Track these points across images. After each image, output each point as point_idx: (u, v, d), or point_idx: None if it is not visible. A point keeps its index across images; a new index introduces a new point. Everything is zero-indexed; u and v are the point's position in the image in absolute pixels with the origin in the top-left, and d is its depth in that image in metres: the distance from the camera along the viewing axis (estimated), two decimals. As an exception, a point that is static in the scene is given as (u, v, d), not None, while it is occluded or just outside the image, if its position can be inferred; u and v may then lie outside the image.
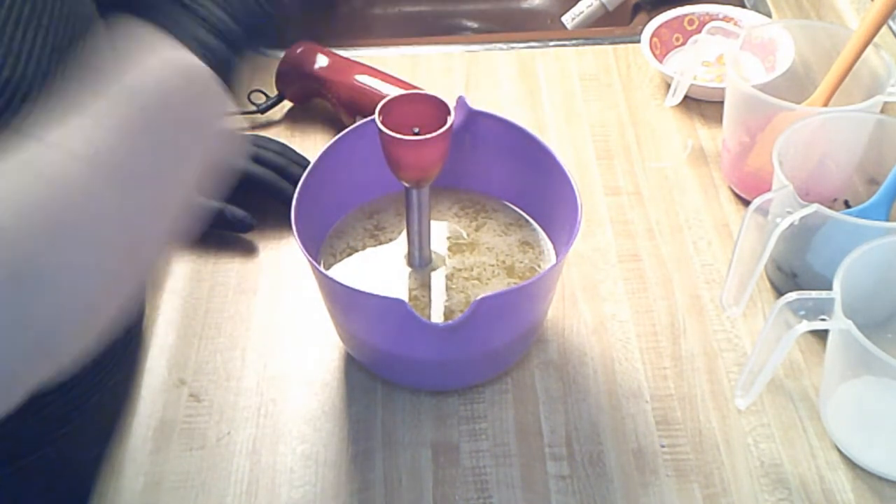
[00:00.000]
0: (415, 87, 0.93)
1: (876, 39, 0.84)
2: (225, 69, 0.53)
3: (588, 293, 0.81)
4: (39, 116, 0.46)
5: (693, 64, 0.93)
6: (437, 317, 0.73)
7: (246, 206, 0.84)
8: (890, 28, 0.99)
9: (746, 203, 0.80)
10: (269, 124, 0.98)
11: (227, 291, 0.82)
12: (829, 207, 0.73)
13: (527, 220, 0.80)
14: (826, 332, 0.68)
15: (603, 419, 0.72)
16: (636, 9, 1.17)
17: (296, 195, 0.71)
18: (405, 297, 0.74)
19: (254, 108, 0.97)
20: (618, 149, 0.94)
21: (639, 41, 1.03)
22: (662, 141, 0.95)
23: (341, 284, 0.68)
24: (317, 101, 0.98)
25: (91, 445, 0.72)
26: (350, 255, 0.78)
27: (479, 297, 0.64)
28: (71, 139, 0.45)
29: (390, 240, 0.79)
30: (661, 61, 1.02)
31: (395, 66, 1.01)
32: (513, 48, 1.07)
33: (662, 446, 0.70)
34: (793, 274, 0.78)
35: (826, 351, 0.70)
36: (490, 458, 0.70)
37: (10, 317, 0.41)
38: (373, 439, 0.72)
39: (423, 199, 0.71)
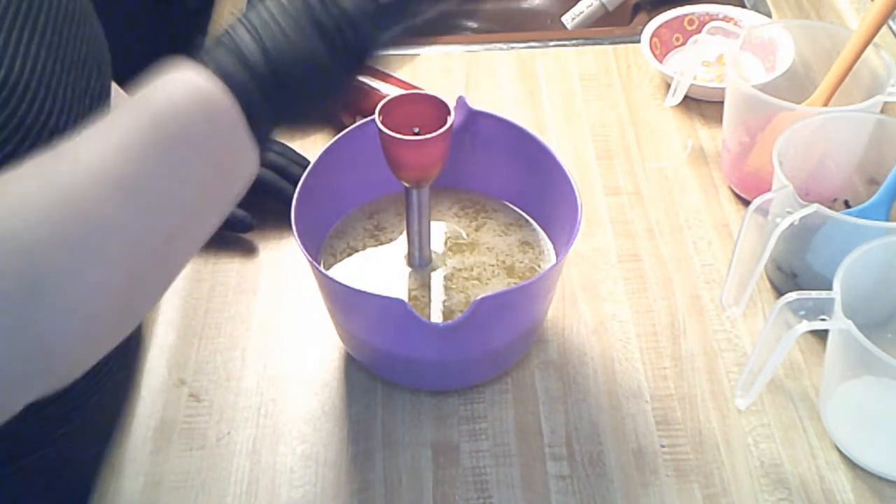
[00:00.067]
0: (415, 87, 0.93)
1: (876, 39, 0.84)
2: (251, 106, 0.50)
3: (588, 293, 0.81)
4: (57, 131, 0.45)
5: (693, 64, 0.93)
6: (436, 317, 0.73)
7: (246, 206, 0.84)
8: (890, 28, 0.99)
9: (746, 203, 0.80)
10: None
11: (227, 291, 0.82)
12: (829, 207, 0.73)
13: (527, 220, 0.80)
14: (826, 332, 0.68)
15: (603, 419, 0.72)
16: (636, 9, 1.17)
17: (296, 195, 0.71)
18: (405, 297, 0.74)
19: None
20: (618, 149, 0.94)
21: (639, 41, 1.03)
22: (662, 141, 0.95)
23: (341, 284, 0.68)
24: (317, 101, 0.97)
25: (91, 445, 0.72)
26: (350, 255, 0.78)
27: (479, 297, 0.64)
28: (85, 152, 0.45)
29: (390, 240, 0.79)
30: (661, 61, 1.02)
31: (395, 66, 1.00)
32: (513, 48, 1.07)
33: (662, 446, 0.70)
34: (793, 274, 0.78)
35: (826, 351, 0.70)
36: (490, 458, 0.70)
37: (15, 323, 0.41)
38: (373, 439, 0.72)
39: (423, 199, 0.71)
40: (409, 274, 0.76)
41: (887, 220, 0.77)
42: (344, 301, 0.71)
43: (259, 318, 0.80)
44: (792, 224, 0.71)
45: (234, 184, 0.51)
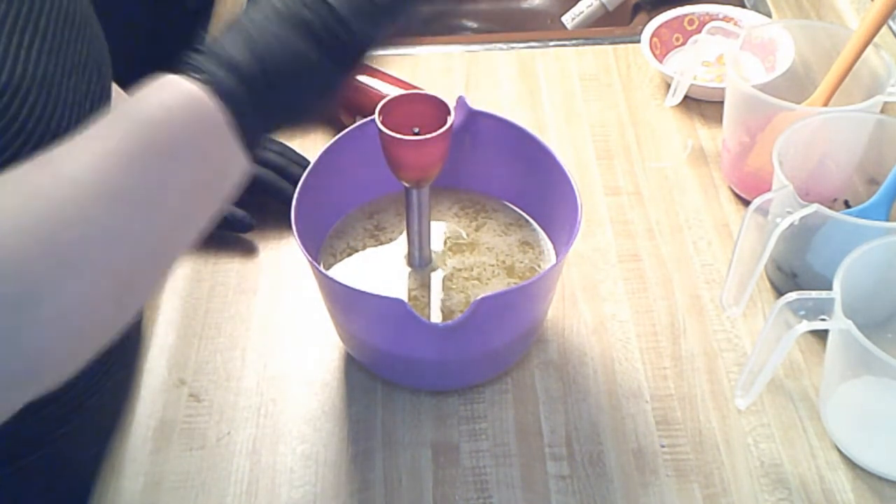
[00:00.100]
0: (415, 87, 0.93)
1: (876, 39, 0.84)
2: (240, 114, 0.49)
3: (588, 293, 0.81)
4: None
5: (693, 64, 0.93)
6: (436, 317, 0.73)
7: (246, 206, 0.84)
8: (890, 28, 0.99)
9: (746, 203, 0.80)
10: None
11: (227, 291, 0.82)
12: (829, 207, 0.73)
13: (527, 220, 0.80)
14: (826, 332, 0.68)
15: (603, 419, 0.72)
16: (636, 9, 1.17)
17: (296, 195, 0.71)
18: (405, 297, 0.74)
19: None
20: (618, 149, 0.94)
21: (639, 41, 1.03)
22: (662, 141, 0.95)
23: (341, 284, 0.68)
24: (317, 101, 0.97)
25: (91, 445, 0.72)
26: (350, 255, 0.78)
27: (479, 297, 0.64)
28: (70, 161, 0.45)
29: (390, 240, 0.79)
30: (661, 61, 1.02)
31: (395, 66, 1.01)
32: (513, 48, 1.07)
33: (662, 446, 0.70)
34: (793, 274, 0.78)
35: (826, 351, 0.70)
36: (490, 458, 0.70)
37: (1, 335, 0.41)
38: (373, 439, 0.72)
39: (423, 199, 0.71)
40: (409, 274, 0.76)
41: (887, 220, 0.77)
42: (344, 301, 0.71)
43: (259, 318, 0.80)
44: (792, 224, 0.71)
45: (223, 188, 0.51)
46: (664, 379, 0.75)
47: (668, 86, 0.96)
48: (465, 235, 0.79)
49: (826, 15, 1.08)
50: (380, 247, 0.79)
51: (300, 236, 0.68)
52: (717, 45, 0.91)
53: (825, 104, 0.85)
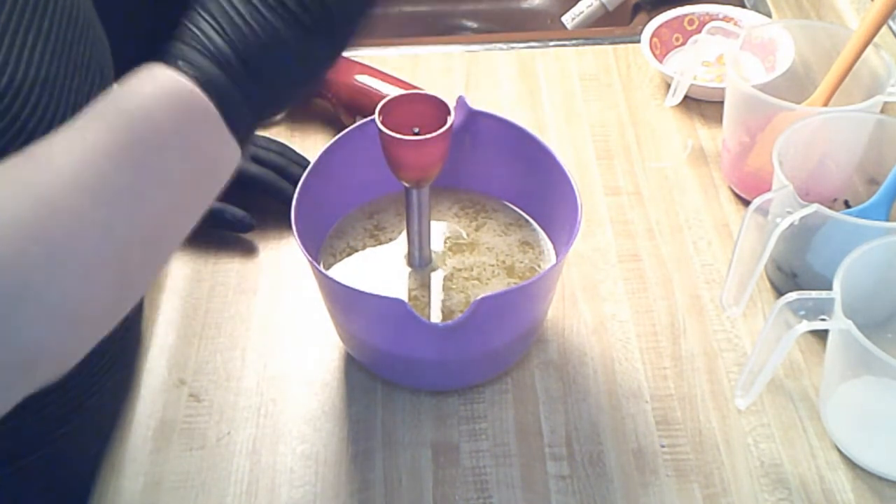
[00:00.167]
0: (415, 87, 0.93)
1: (876, 39, 0.84)
2: (227, 102, 0.49)
3: (588, 293, 0.81)
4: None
5: (693, 64, 0.93)
6: (436, 317, 0.73)
7: (246, 206, 0.84)
8: (890, 28, 0.99)
9: (746, 203, 0.80)
10: (269, 124, 0.98)
11: (227, 291, 0.82)
12: (829, 207, 0.73)
13: (527, 220, 0.80)
14: (826, 332, 0.68)
15: (603, 419, 0.72)
16: (636, 9, 1.17)
17: (296, 195, 0.71)
18: (405, 297, 0.74)
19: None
20: (618, 149, 0.94)
21: (639, 41, 1.03)
22: (662, 141, 0.95)
23: (341, 284, 0.68)
24: (317, 101, 0.98)
25: (91, 445, 0.72)
26: (350, 255, 0.78)
27: (479, 297, 0.64)
28: (60, 155, 0.45)
29: (390, 240, 0.79)
30: (661, 61, 1.02)
31: (395, 66, 1.01)
32: (513, 48, 1.07)
33: (662, 446, 0.70)
34: (793, 274, 0.78)
35: (826, 351, 0.70)
36: (490, 458, 0.70)
37: None
38: (373, 439, 0.72)
39: (423, 199, 0.71)
40: (409, 274, 0.76)
41: (887, 220, 0.77)
42: (344, 301, 0.71)
43: (259, 318, 0.80)
44: (792, 224, 0.71)
45: (217, 179, 0.51)
46: (664, 379, 0.75)
47: (668, 86, 0.96)
48: (465, 235, 0.79)
49: (826, 15, 1.08)
50: (380, 247, 0.79)
51: (300, 236, 0.68)
52: (717, 45, 0.91)
53: (825, 104, 0.85)
